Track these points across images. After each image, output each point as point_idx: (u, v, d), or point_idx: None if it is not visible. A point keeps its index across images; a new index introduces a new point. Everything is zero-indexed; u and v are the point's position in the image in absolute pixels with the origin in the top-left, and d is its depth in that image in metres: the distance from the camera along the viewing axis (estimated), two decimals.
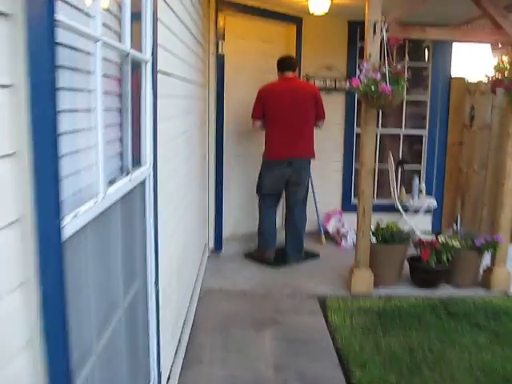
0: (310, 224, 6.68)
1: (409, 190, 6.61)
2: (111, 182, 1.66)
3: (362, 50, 6.55)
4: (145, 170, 2.12)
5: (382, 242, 5.14)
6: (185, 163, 3.68)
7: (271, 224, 5.88)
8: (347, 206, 6.87)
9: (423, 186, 6.59)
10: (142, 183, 2.12)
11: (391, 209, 6.43)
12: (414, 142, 7.09)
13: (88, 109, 1.46)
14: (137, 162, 2.03)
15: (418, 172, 6.97)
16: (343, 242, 6.56)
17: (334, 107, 6.58)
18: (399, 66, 4.42)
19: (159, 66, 2.34)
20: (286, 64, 5.67)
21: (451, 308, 4.79)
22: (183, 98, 3.59)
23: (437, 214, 6.85)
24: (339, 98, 6.67)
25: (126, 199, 1.84)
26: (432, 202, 6.54)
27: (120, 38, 1.85)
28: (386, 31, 4.40)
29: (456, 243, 5.14)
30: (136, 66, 2.01)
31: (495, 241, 5.14)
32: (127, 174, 1.85)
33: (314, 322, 4.53)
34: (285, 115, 5.53)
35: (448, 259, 5.10)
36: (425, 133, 6.90)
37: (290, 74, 5.65)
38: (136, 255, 2.10)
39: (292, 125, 5.55)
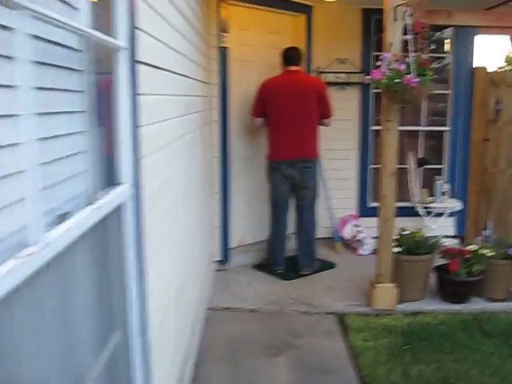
0: (324, 230, 6.23)
1: (431, 192, 6.09)
2: (63, 217, 1.17)
3: (378, 41, 6.10)
4: (122, 191, 1.64)
5: (405, 253, 4.64)
6: (183, 171, 3.20)
7: (280, 239, 5.47)
8: (364, 209, 6.36)
9: (446, 187, 6.06)
10: (117, 209, 1.64)
11: (411, 212, 5.93)
12: (434, 139, 6.57)
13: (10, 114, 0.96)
14: (109, 181, 1.54)
15: (440, 171, 6.45)
16: (360, 250, 6.06)
17: (347, 103, 6.08)
18: (425, 56, 3.90)
19: (142, 57, 1.85)
20: (289, 56, 5.24)
21: (486, 325, 4.29)
22: (181, 95, 3.10)
23: (460, 217, 6.34)
24: (353, 93, 6.15)
25: (92, 234, 1.36)
26: (456, 205, 6.01)
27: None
28: (410, 16, 3.88)
29: (488, 252, 4.63)
30: (107, 55, 1.52)
31: None
32: (93, 201, 1.35)
33: (334, 346, 4.04)
34: (286, 112, 5.12)
35: (479, 270, 4.59)
36: (446, 129, 6.37)
37: (294, 68, 5.21)
38: (112, 303, 1.61)
39: (293, 123, 5.13)
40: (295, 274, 5.34)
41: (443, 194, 6.04)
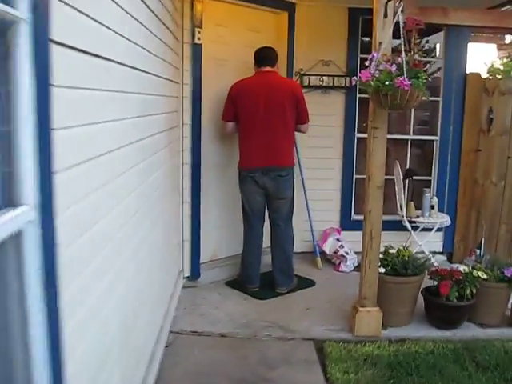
0: (304, 244, 5.80)
1: (418, 205, 5.69)
2: None
3: (365, 41, 5.76)
4: (18, 214, 1.19)
5: (392, 273, 4.22)
6: (138, 182, 2.74)
7: (254, 255, 5.02)
8: (347, 223, 5.94)
9: (435, 200, 5.66)
10: (16, 237, 1.19)
11: (397, 226, 5.51)
12: (423, 149, 6.18)
13: None
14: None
15: (428, 183, 6.06)
16: (342, 266, 5.64)
17: (331, 108, 5.67)
18: (416, 57, 3.48)
19: (61, 36, 1.40)
20: (262, 56, 4.82)
21: (479, 356, 3.86)
22: (135, 93, 2.64)
23: (449, 232, 5.94)
24: (338, 97, 5.74)
25: None
26: (445, 220, 5.61)
27: None
28: (402, 12, 3.46)
29: (482, 274, 4.23)
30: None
31: None
32: None
33: (311, 378, 3.61)
34: (258, 116, 4.67)
35: (472, 293, 4.19)
36: (435, 138, 5.97)
37: (267, 69, 4.79)
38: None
39: (267, 127, 4.68)
40: (271, 293, 4.91)
41: (432, 207, 5.64)
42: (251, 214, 4.92)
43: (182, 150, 4.67)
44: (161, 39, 3.49)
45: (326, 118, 5.38)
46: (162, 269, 3.80)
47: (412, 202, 5.61)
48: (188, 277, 4.99)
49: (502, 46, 10.65)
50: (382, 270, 4.20)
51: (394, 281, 4.19)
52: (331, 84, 5.65)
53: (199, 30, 4.59)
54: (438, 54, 6.12)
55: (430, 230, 5.60)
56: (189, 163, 4.75)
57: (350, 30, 5.62)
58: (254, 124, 4.70)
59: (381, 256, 4.20)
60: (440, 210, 5.80)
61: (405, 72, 3.30)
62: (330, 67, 5.63)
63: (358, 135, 5.83)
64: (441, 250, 6.12)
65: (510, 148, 5.97)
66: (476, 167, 5.96)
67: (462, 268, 4.28)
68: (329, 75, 5.63)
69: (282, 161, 4.80)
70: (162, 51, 3.57)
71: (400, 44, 3.40)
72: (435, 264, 4.51)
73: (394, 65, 3.31)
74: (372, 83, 3.27)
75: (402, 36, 3.42)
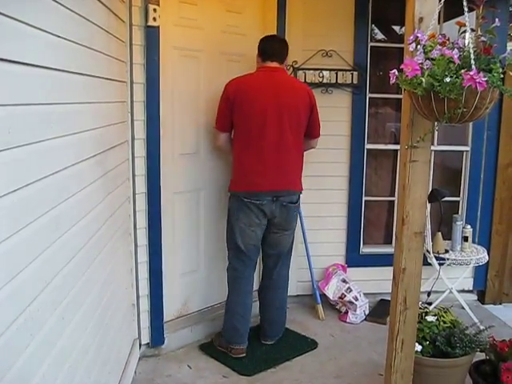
0: (301, 286, 4.61)
1: (447, 235, 4.44)
2: None
3: (382, 22, 4.54)
4: None
5: (431, 352, 2.97)
6: (44, 238, 1.56)
7: (245, 306, 3.81)
8: (354, 257, 4.68)
9: (469, 230, 4.41)
10: None
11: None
12: (450, 162, 4.92)
13: None
14: None
15: (455, 206, 4.81)
16: (350, 316, 4.38)
17: (335, 112, 4.40)
18: (483, 38, 2.20)
19: None
20: (271, 48, 3.67)
21: None
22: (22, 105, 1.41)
23: (481, 266, 4.66)
24: (343, 98, 4.44)
25: None
26: (482, 256, 4.36)
27: None
28: None
29: None
30: None
31: None
32: None
33: None
34: (267, 126, 3.51)
35: None
36: (466, 149, 4.72)
37: (275, 65, 3.63)
38: None
39: (278, 141, 3.55)
40: (259, 363, 3.66)
41: (465, 239, 4.38)
42: (246, 252, 3.73)
43: (134, 176, 3.36)
44: (86, 17, 2.21)
45: (327, 124, 4.09)
46: (97, 350, 2.53)
47: (440, 233, 4.34)
48: (148, 344, 3.69)
49: None
50: (418, 347, 2.94)
51: (435, 364, 2.95)
52: (334, 81, 4.36)
53: (155, 7, 3.29)
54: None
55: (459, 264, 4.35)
56: (144, 192, 3.45)
57: (357, 12, 4.34)
58: (259, 136, 3.54)
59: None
60: (473, 241, 4.57)
61: (472, 61, 2.02)
62: (332, 59, 4.34)
63: (368, 146, 4.57)
64: (471, 288, 4.90)
65: None
66: None
67: None
68: (331, 69, 4.34)
69: (294, 184, 3.75)
70: (89, 35, 2.29)
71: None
72: (488, 331, 3.24)
73: (456, 50, 2.02)
74: (424, 80, 1.98)
75: (464, 3, 2.13)
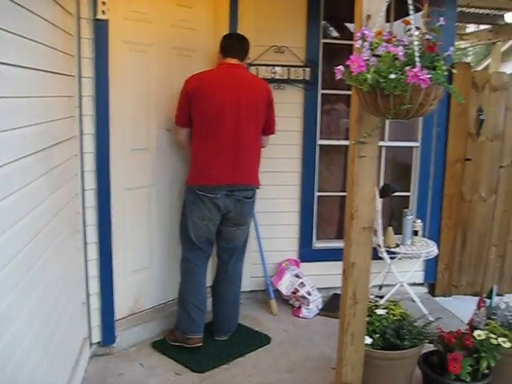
0: (254, 281, 4.62)
1: (398, 230, 4.51)
2: None
3: (335, 19, 4.57)
4: None
5: (381, 345, 3.02)
6: None
7: (200, 294, 3.83)
8: (307, 252, 4.72)
9: (419, 224, 4.48)
10: None
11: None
12: (401, 158, 5.00)
13: None
14: None
15: (406, 201, 4.89)
16: (304, 310, 4.41)
17: (287, 108, 4.40)
18: (428, 36, 2.24)
19: None
20: (231, 45, 3.75)
21: None
22: None
23: (431, 260, 4.74)
24: (295, 94, 4.46)
25: None
26: (432, 249, 4.45)
27: None
28: None
29: (504, 341, 3.06)
30: None
31: None
32: None
33: None
34: (225, 121, 3.55)
35: (489, 367, 3.02)
36: (416, 145, 4.80)
37: (235, 61, 3.70)
38: None
39: (235, 136, 3.59)
40: (212, 360, 3.64)
41: (415, 233, 4.46)
42: (198, 245, 3.74)
43: (83, 172, 3.30)
44: (26, 8, 2.15)
45: (280, 120, 4.09)
46: (48, 350, 2.48)
47: (391, 228, 4.41)
48: (99, 342, 3.64)
49: (462, 37, 9.72)
50: (369, 340, 2.98)
51: (385, 356, 2.99)
52: (286, 77, 4.37)
53: (104, 0, 3.23)
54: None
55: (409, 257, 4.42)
56: (93, 189, 3.39)
57: (309, 8, 4.36)
58: (218, 130, 3.56)
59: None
60: (423, 234, 4.65)
61: (417, 59, 2.05)
62: (284, 55, 4.36)
63: (320, 142, 4.60)
64: (421, 281, 4.99)
65: (503, 156, 4.88)
66: (463, 180, 4.83)
67: (476, 333, 3.08)
68: (283, 65, 4.35)
69: (251, 179, 3.77)
70: (30, 26, 2.23)
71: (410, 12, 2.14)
72: (436, 323, 3.31)
73: (400, 47, 2.05)
74: (369, 76, 2.00)
75: (409, 1, 2.16)
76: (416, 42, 2.07)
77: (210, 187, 3.58)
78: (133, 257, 3.86)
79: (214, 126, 3.55)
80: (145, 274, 3.99)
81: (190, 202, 3.68)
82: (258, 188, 3.83)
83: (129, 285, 3.85)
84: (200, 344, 3.73)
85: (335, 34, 4.74)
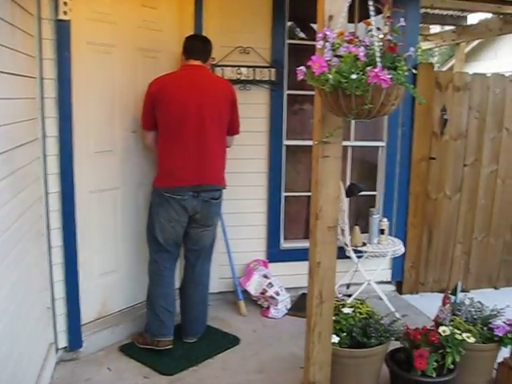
0: (222, 283, 4.62)
1: (365, 229, 4.56)
2: None
3: (300, 20, 4.58)
4: None
5: (348, 344, 3.05)
6: None
7: (169, 296, 3.82)
8: (275, 253, 4.73)
9: (385, 223, 4.53)
10: None
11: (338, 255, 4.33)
12: (367, 158, 5.04)
13: None
14: None
15: (372, 200, 4.93)
16: (272, 311, 4.42)
17: (253, 109, 4.42)
18: (389, 37, 2.26)
19: None
20: (194, 47, 3.74)
21: None
22: None
23: (398, 258, 4.81)
24: (261, 94, 4.47)
25: None
26: (398, 248, 4.49)
27: None
28: None
29: (468, 337, 3.11)
30: None
31: None
32: None
33: None
34: (189, 123, 3.54)
35: (454, 362, 3.07)
36: (382, 145, 4.85)
37: (198, 63, 3.69)
38: None
39: (200, 137, 3.59)
40: (181, 362, 3.63)
41: (381, 232, 4.51)
42: (166, 246, 3.73)
43: (46, 175, 3.25)
44: None
45: (246, 121, 4.11)
46: (12, 357, 2.43)
47: (357, 227, 4.45)
48: (65, 347, 3.59)
49: (427, 37, 9.86)
50: (336, 339, 3.00)
51: (352, 355, 3.01)
52: (252, 77, 4.38)
53: (65, 0, 3.19)
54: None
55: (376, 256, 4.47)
56: (57, 192, 3.34)
57: (274, 9, 4.37)
58: (182, 132, 3.56)
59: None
60: (390, 233, 4.71)
61: (378, 59, 2.07)
62: (250, 56, 4.36)
63: (286, 142, 4.61)
64: (389, 279, 5.05)
65: (467, 154, 4.97)
66: (428, 178, 4.90)
67: (441, 329, 3.13)
68: (249, 66, 4.35)
69: (217, 179, 3.77)
70: None
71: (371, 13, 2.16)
72: (402, 320, 3.35)
73: (362, 48, 2.07)
74: (331, 76, 2.02)
75: (370, 3, 2.18)
76: (377, 43, 2.09)
77: (176, 189, 3.57)
78: (99, 260, 3.82)
79: (178, 128, 3.55)
80: (112, 277, 3.95)
81: (156, 203, 3.67)
82: (224, 188, 3.83)
83: (96, 288, 3.81)
84: (170, 346, 3.71)
85: (302, 34, 4.77)
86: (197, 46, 3.72)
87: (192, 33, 4.03)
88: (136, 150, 3.95)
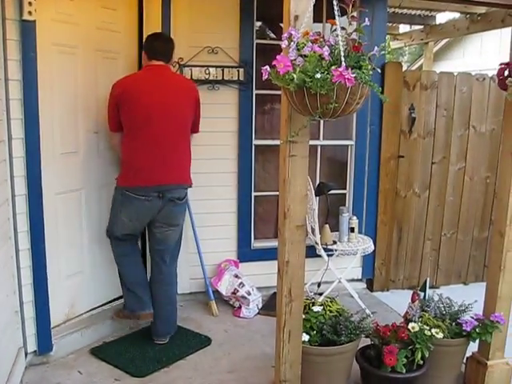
0: (193, 283, 4.61)
1: (335, 227, 4.58)
2: None
3: (269, 20, 4.59)
4: None
5: (319, 342, 3.06)
6: None
7: (139, 271, 3.92)
8: (246, 252, 4.74)
9: (355, 221, 4.56)
10: None
11: (309, 252, 4.35)
12: (336, 156, 5.07)
13: None
14: None
15: (343, 198, 4.97)
16: (244, 310, 4.43)
17: (222, 109, 4.42)
18: (355, 36, 2.28)
19: None
20: (156, 47, 3.69)
21: None
22: None
23: (368, 256, 4.84)
24: (230, 94, 4.46)
25: None
26: (368, 245, 4.53)
27: None
28: None
29: (437, 332, 3.16)
30: None
31: (493, 322, 3.22)
32: None
33: None
34: (152, 123, 3.53)
35: (424, 357, 3.11)
36: (351, 143, 4.89)
37: (160, 63, 3.65)
38: None
39: (164, 137, 3.59)
40: (152, 363, 3.62)
41: (351, 230, 4.54)
42: (125, 238, 3.80)
43: (12, 177, 3.20)
44: None
45: (215, 121, 4.12)
46: None
47: (327, 225, 4.47)
48: (35, 351, 3.54)
49: (396, 37, 9.96)
50: (306, 337, 3.02)
51: (322, 352, 3.03)
52: (220, 77, 4.38)
53: (30, 0, 3.15)
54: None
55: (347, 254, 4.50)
56: (24, 194, 3.29)
57: (242, 9, 4.37)
58: (147, 132, 3.55)
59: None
60: (361, 232, 4.75)
61: (342, 58, 2.09)
62: (218, 56, 4.35)
63: (255, 142, 4.62)
64: (360, 277, 5.09)
65: (435, 152, 5.03)
66: (397, 176, 4.95)
67: (410, 325, 3.16)
68: (217, 66, 4.35)
69: (183, 178, 3.77)
70: None
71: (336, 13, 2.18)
72: (372, 317, 3.38)
73: (326, 48, 2.08)
74: (295, 76, 2.03)
75: (335, 3, 2.20)
76: (341, 42, 2.11)
77: (140, 189, 3.57)
78: (66, 262, 3.78)
79: (142, 128, 3.54)
80: (79, 278, 3.92)
81: (119, 202, 3.68)
82: (190, 187, 3.82)
83: (63, 290, 3.77)
84: (152, 319, 3.83)
85: (272, 34, 4.77)
86: (159, 46, 3.69)
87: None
88: (98, 150, 3.96)
